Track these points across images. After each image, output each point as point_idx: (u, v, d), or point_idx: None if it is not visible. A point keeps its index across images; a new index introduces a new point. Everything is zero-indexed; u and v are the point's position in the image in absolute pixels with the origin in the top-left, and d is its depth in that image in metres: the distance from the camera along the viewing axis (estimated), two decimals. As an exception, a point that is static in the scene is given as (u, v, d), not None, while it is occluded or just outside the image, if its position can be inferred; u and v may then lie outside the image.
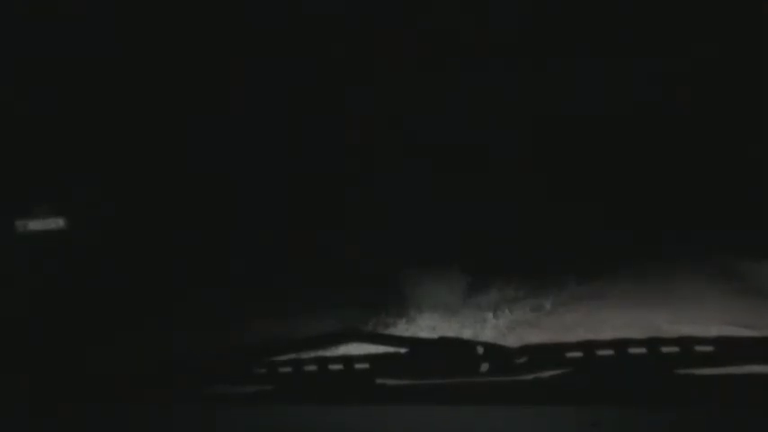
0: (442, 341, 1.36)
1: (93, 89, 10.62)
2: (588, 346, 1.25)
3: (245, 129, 12.30)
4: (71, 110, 10.38)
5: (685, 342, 1.21)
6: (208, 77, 11.80)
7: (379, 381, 1.35)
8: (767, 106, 14.72)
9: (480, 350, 1.29)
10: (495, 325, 6.94)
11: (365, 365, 1.35)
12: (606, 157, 16.61)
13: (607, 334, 5.57)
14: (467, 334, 6.39)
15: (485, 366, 1.27)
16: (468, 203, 13.20)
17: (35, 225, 9.58)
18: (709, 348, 1.19)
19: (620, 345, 1.23)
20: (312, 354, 1.45)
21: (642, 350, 1.22)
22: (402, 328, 7.04)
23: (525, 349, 1.30)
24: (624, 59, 15.16)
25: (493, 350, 1.30)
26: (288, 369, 1.38)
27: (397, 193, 12.57)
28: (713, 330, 5.56)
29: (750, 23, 14.10)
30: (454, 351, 1.30)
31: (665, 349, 1.22)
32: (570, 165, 16.13)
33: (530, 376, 1.27)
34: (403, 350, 1.34)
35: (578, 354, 1.25)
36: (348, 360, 1.36)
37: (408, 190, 12.81)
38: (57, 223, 9.68)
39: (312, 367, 1.36)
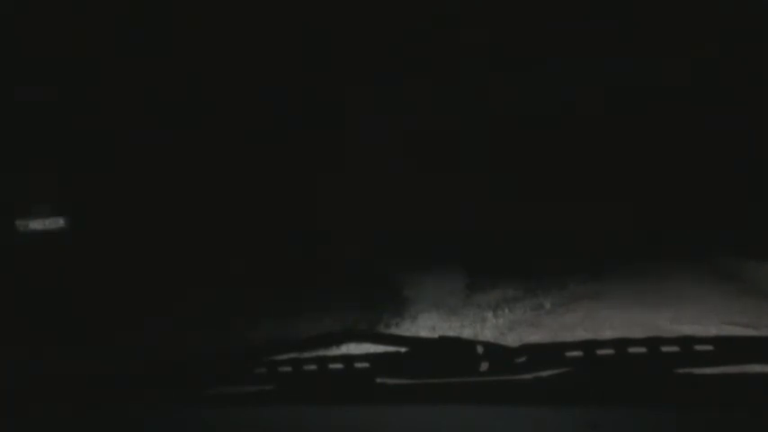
0: (442, 341, 1.36)
1: (93, 88, 10.63)
2: (588, 346, 1.25)
3: (243, 127, 12.31)
4: (71, 109, 10.39)
5: (685, 342, 1.21)
6: (206, 77, 11.81)
7: (379, 380, 1.35)
8: (766, 106, 14.73)
9: (480, 350, 1.29)
10: (495, 325, 6.94)
11: (365, 365, 1.35)
12: (606, 157, 16.61)
13: (607, 334, 5.57)
14: (467, 334, 6.39)
15: (485, 366, 1.27)
16: (468, 203, 13.21)
17: (35, 225, 9.58)
18: (709, 348, 1.19)
19: (620, 344, 1.23)
20: (312, 354, 1.45)
21: (642, 350, 1.22)
22: (402, 328, 7.04)
23: (525, 349, 1.30)
24: (625, 56, 15.17)
25: (493, 349, 1.30)
26: (288, 369, 1.38)
27: (396, 194, 12.58)
28: (713, 330, 5.56)
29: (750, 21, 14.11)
30: (454, 351, 1.30)
31: (665, 349, 1.22)
32: (569, 164, 16.14)
33: (530, 376, 1.27)
34: (403, 350, 1.34)
35: (578, 353, 1.25)
36: (348, 360, 1.36)
37: (407, 190, 12.82)
38: (57, 223, 9.68)
39: (312, 367, 1.37)
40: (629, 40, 14.99)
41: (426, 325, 7.11)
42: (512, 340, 5.79)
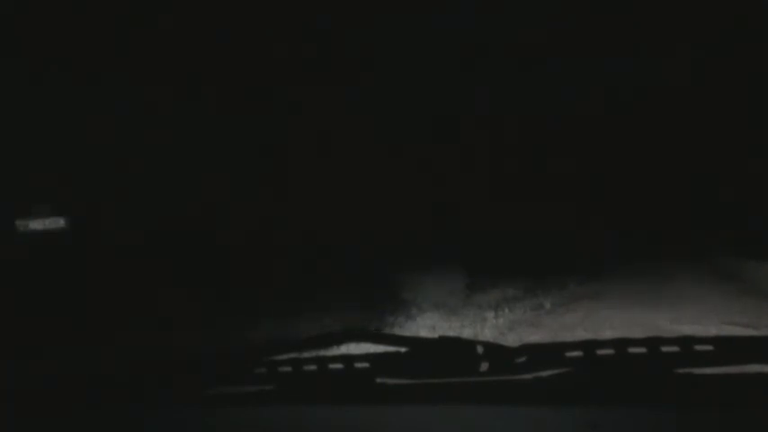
0: (442, 341, 1.36)
1: (92, 90, 10.62)
2: (588, 346, 1.25)
3: (243, 128, 12.31)
4: (71, 110, 10.39)
5: (685, 342, 1.20)
6: (205, 78, 11.81)
7: (379, 380, 1.35)
8: (766, 106, 14.73)
9: (480, 350, 1.29)
10: (495, 325, 6.94)
11: (365, 365, 1.34)
12: (605, 158, 16.61)
13: (607, 334, 5.57)
14: (467, 334, 6.39)
15: (485, 366, 1.27)
16: (469, 203, 13.21)
17: (35, 225, 9.57)
18: (709, 348, 1.19)
19: (620, 344, 1.23)
20: (312, 354, 1.45)
21: (642, 350, 1.22)
22: (402, 328, 7.04)
23: (525, 349, 1.30)
24: (622, 57, 15.17)
25: (493, 350, 1.30)
26: (288, 369, 1.38)
27: (398, 193, 12.57)
28: (713, 330, 5.56)
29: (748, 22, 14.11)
30: (454, 351, 1.30)
31: (665, 349, 1.22)
32: (570, 165, 16.13)
33: (530, 376, 1.26)
34: (403, 350, 1.34)
35: (578, 353, 1.25)
36: (348, 360, 1.36)
37: (409, 189, 12.81)
38: (57, 223, 9.67)
39: (312, 367, 1.36)
40: (630, 41, 14.98)
41: (426, 325, 7.10)
42: (512, 340, 5.78)
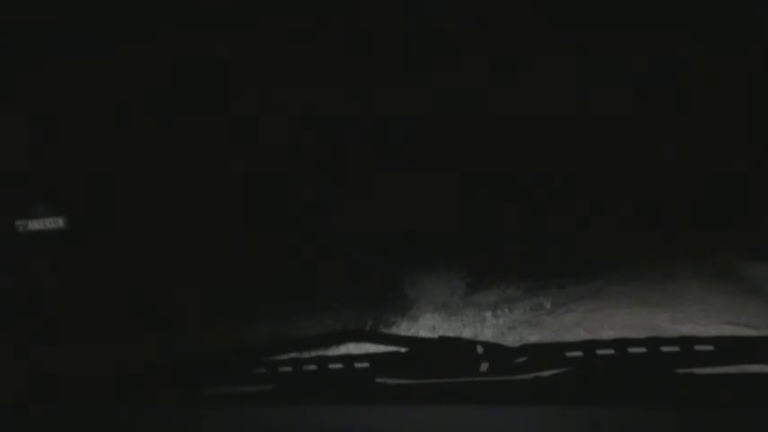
0: (442, 341, 1.35)
1: (91, 90, 10.63)
2: (588, 346, 1.25)
3: (242, 127, 12.31)
4: (70, 111, 10.39)
5: (685, 342, 1.20)
6: (202, 78, 11.81)
7: (379, 380, 1.35)
8: (765, 106, 14.73)
9: (480, 350, 1.29)
10: (495, 325, 6.94)
11: (365, 365, 1.34)
12: (605, 157, 16.61)
13: (607, 334, 5.57)
14: (467, 334, 6.40)
15: (485, 366, 1.27)
16: (469, 203, 13.21)
17: (35, 225, 9.57)
18: (709, 348, 1.19)
19: (620, 345, 1.23)
20: (312, 353, 1.45)
21: (642, 350, 1.22)
22: (402, 328, 7.04)
23: (525, 349, 1.30)
24: (622, 58, 15.17)
25: (493, 350, 1.30)
26: (288, 369, 1.38)
27: (398, 193, 12.58)
28: (713, 330, 5.57)
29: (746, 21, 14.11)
30: (454, 351, 1.30)
31: (665, 349, 1.22)
32: (570, 165, 16.13)
33: (530, 376, 1.26)
34: (403, 350, 1.34)
35: (578, 354, 1.24)
36: (348, 359, 1.36)
37: (409, 190, 12.82)
38: (57, 223, 9.67)
39: (312, 367, 1.36)
40: (630, 38, 14.97)
41: (426, 325, 7.11)
42: (512, 340, 5.79)
